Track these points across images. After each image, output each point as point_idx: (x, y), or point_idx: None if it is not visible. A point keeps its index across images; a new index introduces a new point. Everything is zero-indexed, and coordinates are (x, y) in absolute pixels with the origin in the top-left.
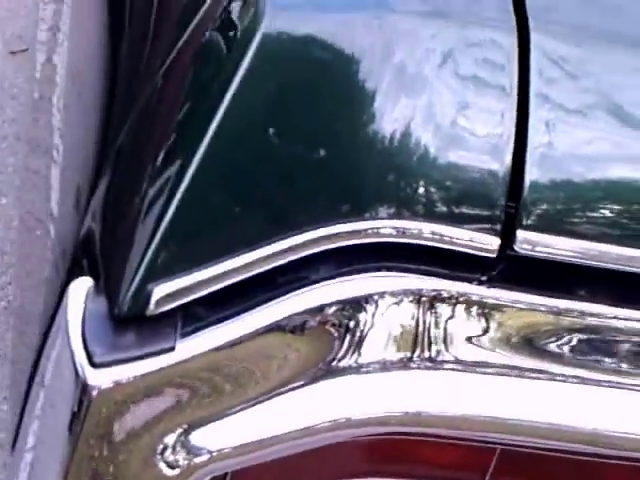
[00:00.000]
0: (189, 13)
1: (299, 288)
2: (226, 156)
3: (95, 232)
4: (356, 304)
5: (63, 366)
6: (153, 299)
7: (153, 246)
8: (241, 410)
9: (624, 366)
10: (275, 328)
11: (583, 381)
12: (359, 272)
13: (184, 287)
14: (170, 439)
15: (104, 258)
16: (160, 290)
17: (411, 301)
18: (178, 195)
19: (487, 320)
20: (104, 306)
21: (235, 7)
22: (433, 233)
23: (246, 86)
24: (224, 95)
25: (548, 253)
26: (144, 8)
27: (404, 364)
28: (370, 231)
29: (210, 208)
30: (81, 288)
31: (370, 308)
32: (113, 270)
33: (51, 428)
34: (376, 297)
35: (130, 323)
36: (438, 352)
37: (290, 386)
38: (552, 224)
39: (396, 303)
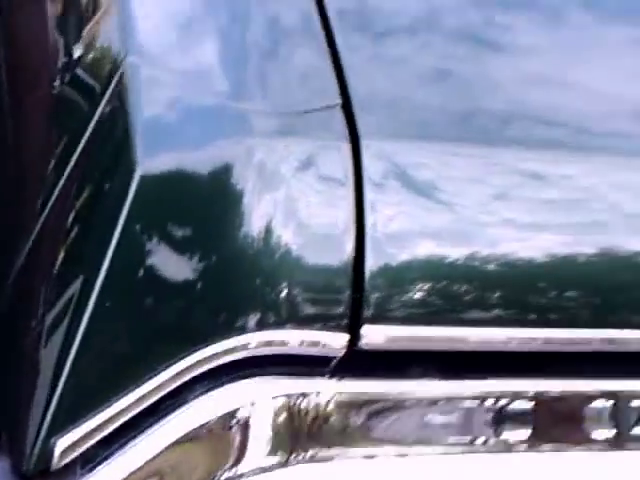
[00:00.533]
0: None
1: (177, 408)
2: (110, 312)
3: None
4: (226, 417)
5: None
6: (57, 452)
7: (53, 404)
8: None
9: (460, 431)
10: (162, 451)
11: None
12: (227, 383)
13: (82, 435)
14: None
15: (5, 420)
16: (62, 443)
17: (277, 401)
18: (70, 357)
19: (340, 412)
20: (7, 465)
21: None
22: (289, 341)
23: (127, 232)
24: (106, 251)
25: (388, 344)
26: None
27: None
28: (240, 347)
29: (99, 359)
30: None
31: (242, 415)
32: (16, 430)
33: None
34: (244, 405)
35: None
36: (300, 450)
37: None
38: (392, 314)
39: (264, 406)
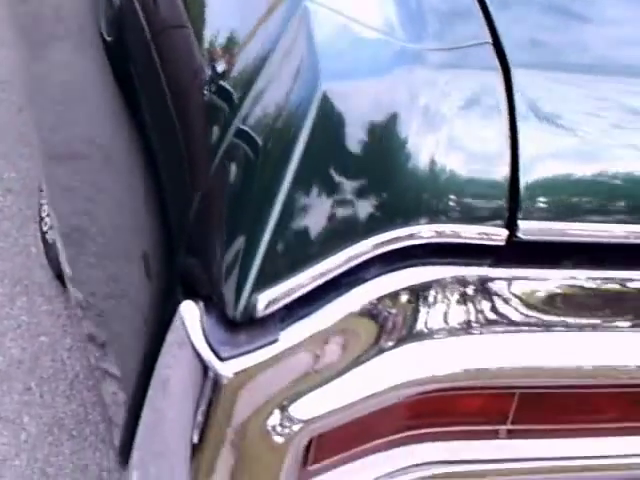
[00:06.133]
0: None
1: (360, 284)
2: (303, 196)
3: (193, 269)
4: (407, 291)
5: (187, 371)
6: (260, 305)
7: (255, 267)
8: (331, 381)
9: (612, 314)
10: (346, 316)
11: (582, 328)
12: (402, 268)
13: (281, 293)
14: (279, 412)
15: (211, 282)
16: (264, 297)
17: (452, 286)
18: (269, 228)
19: (502, 292)
20: (218, 317)
21: (285, 79)
22: (456, 232)
23: (310, 144)
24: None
25: (544, 236)
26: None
27: (465, 330)
28: (415, 235)
29: (292, 234)
30: (191, 308)
31: (424, 294)
32: (224, 288)
33: (177, 423)
34: (421, 285)
35: (242, 326)
36: (484, 320)
37: (365, 358)
38: (544, 214)
39: (430, 289)
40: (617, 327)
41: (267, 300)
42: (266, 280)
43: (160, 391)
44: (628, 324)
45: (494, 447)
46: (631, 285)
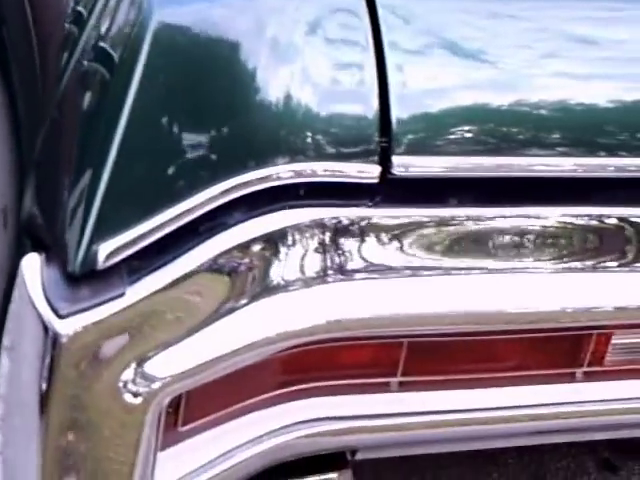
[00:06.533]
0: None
1: (221, 231)
2: (145, 133)
3: (36, 216)
4: (272, 237)
5: (28, 329)
6: (101, 256)
7: (94, 212)
8: (187, 338)
9: (500, 254)
10: (206, 265)
11: (469, 271)
12: (268, 212)
13: (125, 242)
14: (130, 371)
15: (51, 231)
16: (106, 247)
17: (315, 229)
18: (110, 165)
19: (380, 234)
20: (58, 270)
21: (123, 9)
22: (325, 170)
23: (147, 76)
24: (129, 85)
25: (420, 172)
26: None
27: (321, 279)
28: (274, 176)
29: (137, 175)
30: (32, 261)
31: (285, 239)
32: (63, 238)
33: (21, 381)
34: (289, 229)
35: (84, 279)
36: (347, 267)
37: (227, 310)
38: (419, 148)
39: (303, 232)
40: (505, 269)
41: (109, 250)
42: (108, 228)
43: (9, 349)
44: (517, 266)
45: (385, 401)
46: (519, 223)
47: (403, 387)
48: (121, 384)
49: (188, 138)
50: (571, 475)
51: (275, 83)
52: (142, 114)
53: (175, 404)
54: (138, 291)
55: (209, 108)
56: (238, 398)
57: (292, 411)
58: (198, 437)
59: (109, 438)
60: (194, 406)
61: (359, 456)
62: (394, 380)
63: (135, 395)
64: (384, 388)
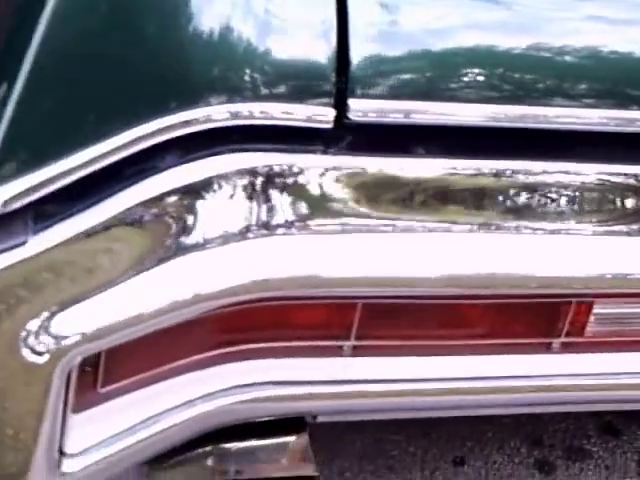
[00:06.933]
0: None
1: (146, 177)
2: (57, 59)
3: None
4: (202, 185)
5: None
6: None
7: None
8: (98, 294)
9: (462, 210)
10: (123, 216)
11: (427, 229)
12: (203, 157)
13: (31, 186)
14: (32, 326)
15: None
16: (7, 190)
17: (257, 177)
18: (13, 98)
19: (332, 185)
20: None
21: None
22: (266, 112)
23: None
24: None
25: (381, 118)
26: None
27: (254, 234)
28: (206, 117)
29: (48, 109)
30: None
31: (218, 187)
32: None
33: None
34: (223, 176)
35: None
36: (287, 220)
37: (142, 268)
38: (381, 90)
39: (239, 180)
40: (472, 228)
41: (10, 195)
42: (8, 170)
43: None
44: (484, 223)
45: (337, 366)
46: (490, 178)
47: (357, 351)
48: (21, 341)
49: (108, 71)
50: (570, 437)
51: (212, 11)
52: (55, 40)
53: (94, 363)
54: (41, 241)
55: (134, 36)
56: (167, 358)
57: (229, 374)
58: (119, 399)
59: (10, 400)
60: (115, 366)
61: (320, 419)
62: (347, 344)
63: (38, 353)
64: (337, 352)
